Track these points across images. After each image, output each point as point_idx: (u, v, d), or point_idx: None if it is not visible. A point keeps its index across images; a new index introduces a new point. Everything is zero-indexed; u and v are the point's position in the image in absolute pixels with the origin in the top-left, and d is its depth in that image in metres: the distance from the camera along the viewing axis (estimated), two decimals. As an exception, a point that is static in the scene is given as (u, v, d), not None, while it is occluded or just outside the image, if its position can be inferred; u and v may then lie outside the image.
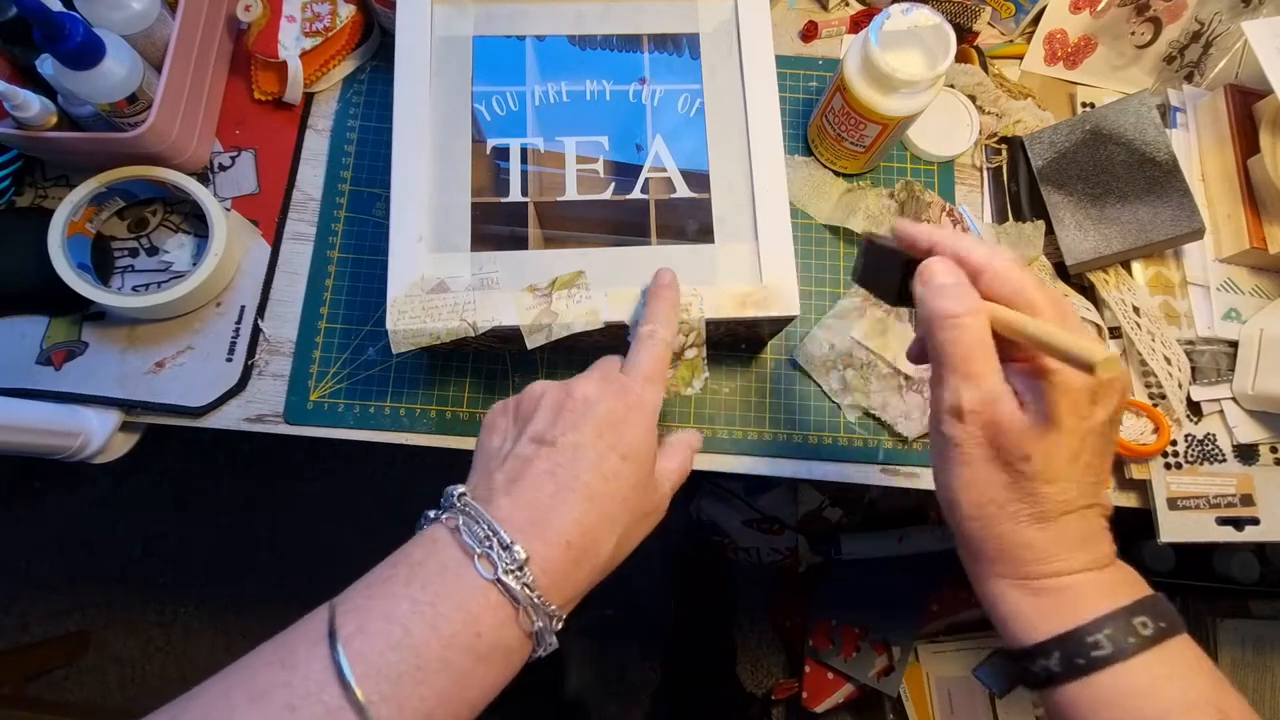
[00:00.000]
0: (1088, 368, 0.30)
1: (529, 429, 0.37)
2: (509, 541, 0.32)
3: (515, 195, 0.51)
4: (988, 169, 0.65)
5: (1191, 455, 0.58)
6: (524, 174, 0.51)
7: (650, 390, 0.39)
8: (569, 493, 0.34)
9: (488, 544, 0.32)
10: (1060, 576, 0.33)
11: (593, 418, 0.36)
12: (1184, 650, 0.33)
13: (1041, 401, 0.33)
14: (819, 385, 0.59)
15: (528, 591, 0.31)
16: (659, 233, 0.51)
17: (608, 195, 0.51)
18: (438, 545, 0.33)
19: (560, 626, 0.34)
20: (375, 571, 0.33)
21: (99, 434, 0.56)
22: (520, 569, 0.32)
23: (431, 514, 0.35)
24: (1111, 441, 0.34)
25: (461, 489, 0.35)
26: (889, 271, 0.38)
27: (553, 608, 0.33)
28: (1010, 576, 0.34)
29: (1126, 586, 0.34)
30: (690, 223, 0.51)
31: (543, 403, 0.38)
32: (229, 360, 0.57)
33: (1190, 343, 0.59)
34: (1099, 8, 0.65)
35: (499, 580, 0.31)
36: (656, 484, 0.38)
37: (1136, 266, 0.61)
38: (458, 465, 1.39)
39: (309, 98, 0.63)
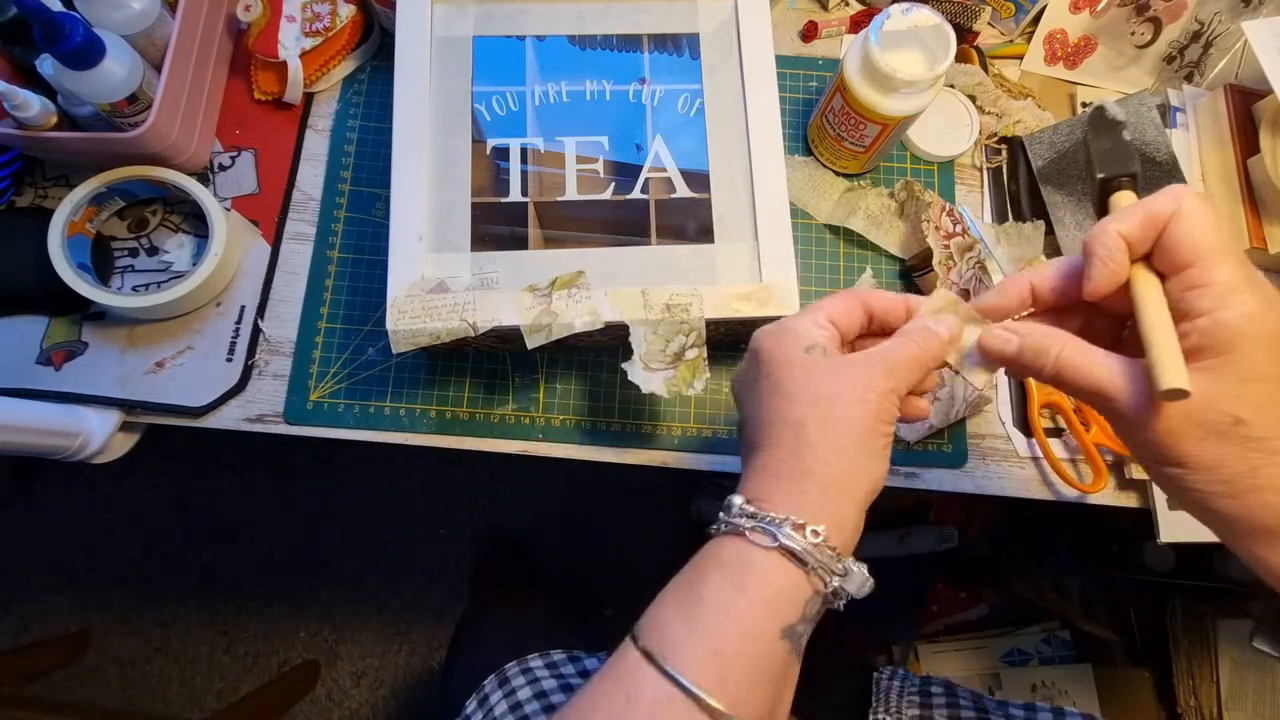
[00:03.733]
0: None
1: None
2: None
3: (515, 195, 0.51)
4: (988, 169, 0.65)
5: (1191, 455, 0.58)
6: (524, 174, 0.51)
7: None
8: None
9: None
10: None
11: None
12: None
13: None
14: (819, 385, 0.59)
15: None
16: (659, 233, 0.51)
17: (608, 195, 0.51)
18: None
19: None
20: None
21: (99, 434, 0.55)
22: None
23: None
24: None
25: None
26: (1089, 180, 0.38)
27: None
28: None
29: None
30: (690, 223, 0.51)
31: None
32: (229, 360, 0.57)
33: (1190, 343, 0.59)
34: (1099, 8, 0.65)
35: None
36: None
37: (1136, 266, 0.61)
38: (458, 465, 1.39)
39: (309, 98, 0.63)
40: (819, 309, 0.38)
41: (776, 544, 0.33)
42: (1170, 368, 0.29)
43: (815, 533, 0.33)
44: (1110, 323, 0.37)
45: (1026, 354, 0.35)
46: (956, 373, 0.37)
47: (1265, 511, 0.31)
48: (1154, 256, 0.33)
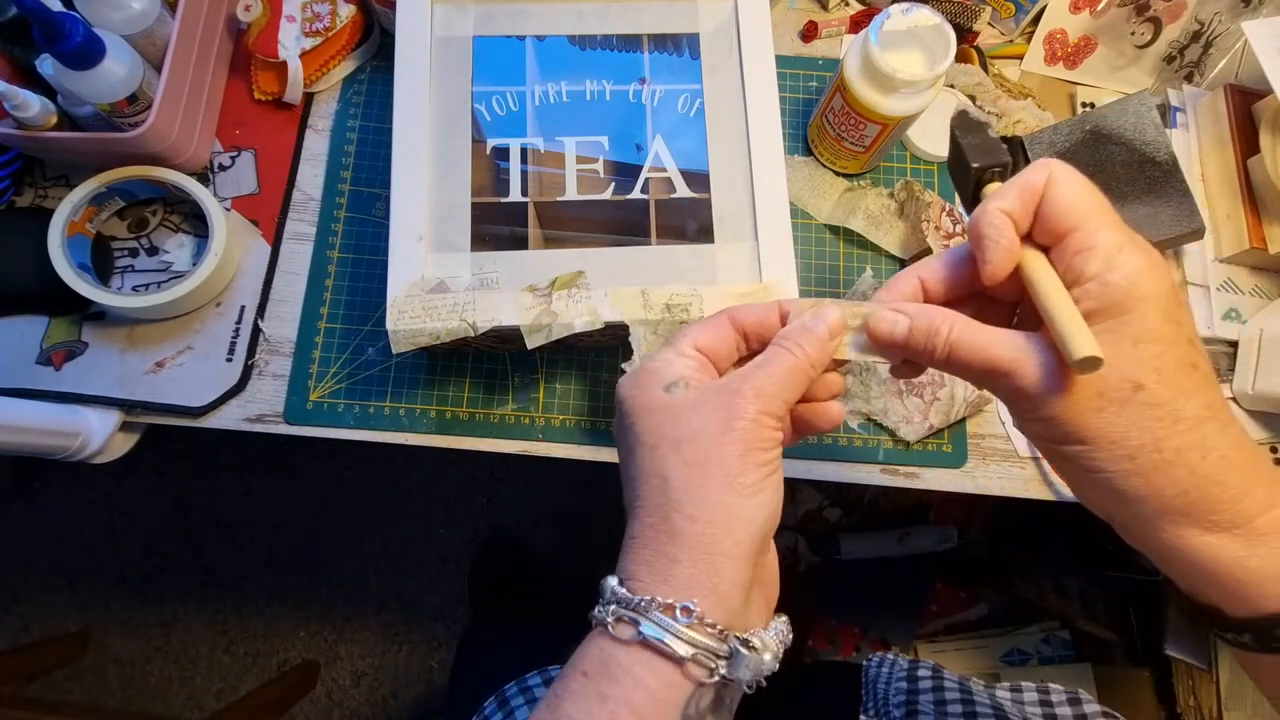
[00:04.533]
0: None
1: None
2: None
3: (515, 195, 0.51)
4: (988, 169, 0.65)
5: (1191, 455, 0.58)
6: (524, 174, 0.51)
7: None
8: None
9: None
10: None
11: None
12: None
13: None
14: (819, 385, 0.59)
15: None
16: (659, 233, 0.51)
17: (608, 195, 0.51)
18: None
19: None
20: None
21: (99, 434, 0.55)
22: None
23: None
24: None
25: None
26: (963, 174, 0.37)
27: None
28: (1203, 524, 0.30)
29: None
30: (690, 223, 0.51)
31: None
32: (229, 360, 0.57)
33: (1190, 343, 0.59)
34: (1099, 8, 0.65)
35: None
36: None
37: (1136, 266, 0.61)
38: (458, 465, 1.38)
39: (309, 98, 0.63)
40: (683, 336, 0.34)
41: (639, 638, 0.28)
42: (1079, 336, 0.28)
43: (687, 610, 0.28)
44: (1001, 310, 0.36)
45: (917, 335, 0.32)
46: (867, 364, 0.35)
47: (1174, 490, 0.29)
48: (1035, 230, 0.32)
